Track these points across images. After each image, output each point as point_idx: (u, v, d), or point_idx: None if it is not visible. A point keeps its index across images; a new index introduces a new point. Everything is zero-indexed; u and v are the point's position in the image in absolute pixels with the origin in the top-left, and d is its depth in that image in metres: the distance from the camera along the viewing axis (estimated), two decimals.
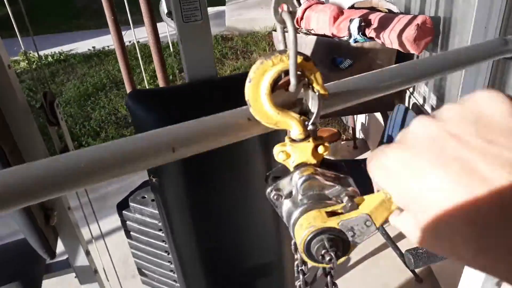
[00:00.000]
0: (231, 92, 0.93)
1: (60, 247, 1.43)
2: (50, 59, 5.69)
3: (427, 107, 2.21)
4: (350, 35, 2.15)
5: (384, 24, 2.03)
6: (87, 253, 1.59)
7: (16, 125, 1.26)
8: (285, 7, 0.41)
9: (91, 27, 7.14)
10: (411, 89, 2.38)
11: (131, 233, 1.41)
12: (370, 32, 2.09)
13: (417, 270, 2.24)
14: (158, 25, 1.77)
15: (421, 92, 2.29)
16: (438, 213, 0.29)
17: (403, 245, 2.45)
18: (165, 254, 1.33)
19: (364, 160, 2.41)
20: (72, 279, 1.64)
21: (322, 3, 2.54)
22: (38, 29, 6.25)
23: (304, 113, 0.43)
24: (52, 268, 1.62)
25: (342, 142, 3.36)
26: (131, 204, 1.31)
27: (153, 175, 0.90)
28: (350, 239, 0.39)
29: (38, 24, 6.58)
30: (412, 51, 1.95)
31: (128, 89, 1.30)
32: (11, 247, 1.68)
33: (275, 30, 2.50)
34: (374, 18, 2.10)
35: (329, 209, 0.40)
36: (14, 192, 0.37)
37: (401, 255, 2.25)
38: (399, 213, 0.37)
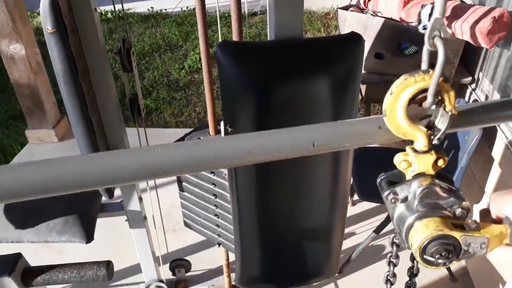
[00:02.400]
0: (313, 54, 0.95)
1: (116, 192, 1.51)
2: (109, 15, 5.82)
3: None
4: (419, 21, 2.11)
5: (457, 13, 1.98)
6: (140, 199, 1.67)
7: (94, 67, 1.32)
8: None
9: None
10: (473, 85, 2.31)
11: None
12: None
13: (452, 269, 2.23)
14: None
15: (484, 89, 2.22)
16: None
17: None
18: (213, 198, 1.37)
19: None
20: (119, 222, 1.73)
21: None
22: None
23: (429, 126, 0.46)
24: (106, 209, 1.72)
25: None
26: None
27: (229, 125, 0.94)
28: (461, 253, 0.44)
29: None
30: (483, 45, 1.90)
31: (203, 47, 1.33)
32: None
33: (340, 9, 2.47)
34: (447, 6, 2.04)
35: (455, 221, 0.45)
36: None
37: None
38: (507, 247, 0.43)
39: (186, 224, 1.65)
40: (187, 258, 2.13)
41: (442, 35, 0.42)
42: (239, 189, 1.10)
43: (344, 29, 2.40)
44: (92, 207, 1.66)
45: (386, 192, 0.47)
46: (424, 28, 2.13)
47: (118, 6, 5.51)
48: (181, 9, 6.38)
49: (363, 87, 2.34)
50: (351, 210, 2.60)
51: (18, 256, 1.01)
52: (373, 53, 2.24)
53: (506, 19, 1.86)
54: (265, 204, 1.12)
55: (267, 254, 1.23)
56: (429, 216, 0.44)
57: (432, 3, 2.10)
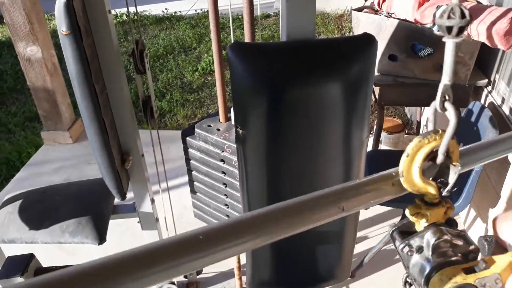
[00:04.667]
0: (325, 55, 0.94)
1: (128, 194, 1.52)
2: (125, 17, 5.88)
3: (505, 108, 2.11)
4: (434, 23, 2.08)
5: (474, 14, 1.95)
6: (152, 201, 1.68)
7: (107, 69, 1.33)
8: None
9: None
10: (489, 87, 2.28)
11: (191, 161, 1.46)
12: None
13: None
14: None
15: (501, 92, 2.19)
16: None
17: None
18: (222, 187, 1.37)
19: None
20: (131, 224, 1.74)
21: None
22: None
23: (437, 178, 0.49)
24: (119, 210, 1.73)
25: (405, 135, 3.29)
26: (196, 130, 1.36)
27: (240, 127, 0.94)
28: None
29: None
30: (500, 46, 1.86)
31: (215, 48, 1.33)
32: (86, 184, 1.80)
33: (355, 10, 2.45)
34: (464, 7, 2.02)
35: (464, 266, 0.47)
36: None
37: None
38: None
39: (196, 215, 1.65)
40: None
41: (451, 100, 0.45)
42: (250, 191, 1.09)
43: (358, 31, 2.38)
44: (105, 208, 1.67)
45: (401, 245, 0.50)
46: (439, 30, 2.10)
47: (133, 8, 5.59)
48: (195, 11, 6.41)
49: (376, 89, 2.32)
50: (364, 214, 2.58)
51: (31, 257, 1.02)
52: (387, 55, 2.22)
53: None
54: (275, 198, 1.11)
55: (278, 257, 1.22)
56: (444, 266, 0.47)
57: (447, 4, 2.07)
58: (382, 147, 3.05)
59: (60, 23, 1.10)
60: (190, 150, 1.42)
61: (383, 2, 2.47)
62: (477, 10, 1.95)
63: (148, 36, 5.55)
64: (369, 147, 2.44)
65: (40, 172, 3.04)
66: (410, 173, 0.47)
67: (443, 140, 0.46)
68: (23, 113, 3.97)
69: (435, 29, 2.07)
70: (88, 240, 1.54)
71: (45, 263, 1.58)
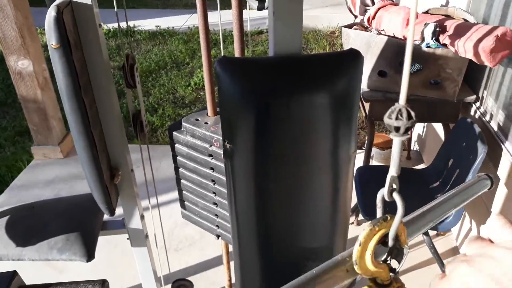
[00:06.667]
0: (312, 70, 0.95)
1: (117, 211, 1.50)
2: (119, 31, 5.90)
3: (493, 124, 2.14)
4: (422, 40, 2.11)
5: (460, 32, 1.98)
6: (142, 217, 1.66)
7: (97, 82, 1.33)
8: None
9: (158, 6, 7.33)
10: (477, 103, 2.31)
11: (178, 158, 1.43)
12: (444, 39, 2.04)
13: None
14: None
15: (489, 108, 2.21)
16: None
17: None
18: (211, 184, 1.35)
19: (418, 170, 2.37)
20: (121, 241, 1.72)
21: (396, 4, 2.51)
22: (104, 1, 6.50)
23: (386, 259, 0.53)
24: (108, 226, 1.71)
25: None
26: (184, 124, 1.34)
27: (228, 141, 0.94)
28: None
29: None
30: (486, 63, 1.89)
31: (206, 66, 1.34)
32: (75, 200, 1.78)
33: (345, 27, 2.49)
34: (450, 25, 2.05)
35: None
36: None
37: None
38: None
39: (184, 216, 1.63)
40: (189, 278, 2.11)
41: (397, 189, 0.49)
42: (238, 206, 1.09)
43: (348, 47, 2.40)
44: (94, 224, 1.65)
45: None
46: (427, 46, 2.13)
47: (125, 24, 5.62)
48: (188, 27, 6.46)
49: (366, 105, 2.34)
50: (356, 230, 2.57)
51: (13, 274, 1.00)
52: (377, 71, 2.24)
53: (509, 38, 1.86)
54: (264, 222, 1.11)
55: (267, 275, 1.21)
56: None
57: (436, 22, 2.11)
58: (373, 162, 3.06)
59: (50, 36, 1.11)
60: (177, 145, 1.40)
61: (372, 19, 2.51)
62: (464, 28, 1.98)
63: (141, 51, 5.57)
64: (360, 163, 2.45)
65: (30, 188, 3.01)
66: (364, 260, 0.50)
67: (392, 227, 0.49)
68: (14, 127, 3.95)
69: (423, 45, 2.11)
70: (76, 257, 1.52)
71: (33, 281, 1.56)
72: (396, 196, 0.49)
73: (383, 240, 0.51)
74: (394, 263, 0.53)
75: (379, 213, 0.51)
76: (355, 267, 0.50)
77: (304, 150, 1.01)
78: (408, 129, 0.44)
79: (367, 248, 0.49)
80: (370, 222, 0.50)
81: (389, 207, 0.53)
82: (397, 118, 0.43)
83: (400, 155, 0.47)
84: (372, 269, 0.50)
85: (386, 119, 0.44)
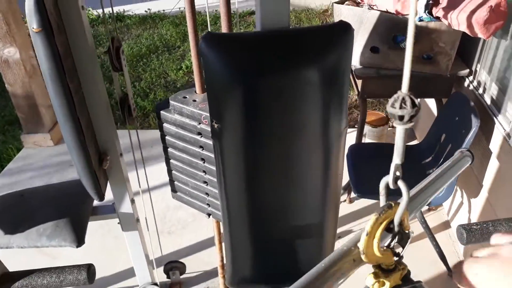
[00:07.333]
0: (300, 44, 0.92)
1: (107, 195, 1.48)
2: (107, 17, 5.80)
3: (487, 98, 2.11)
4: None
5: (453, 4, 1.94)
6: (132, 201, 1.64)
7: (82, 67, 1.29)
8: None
9: None
10: (471, 77, 2.28)
11: (167, 137, 1.41)
12: (437, 12, 2.00)
13: (451, 265, 2.19)
14: None
15: (482, 81, 2.19)
16: None
17: (440, 238, 2.40)
18: (201, 162, 1.33)
19: (411, 147, 2.35)
20: (114, 226, 1.70)
21: None
22: None
23: (391, 243, 0.54)
24: (98, 211, 1.69)
25: (389, 128, 3.28)
26: (171, 102, 1.31)
27: (216, 121, 0.91)
28: None
29: None
30: (480, 35, 1.86)
31: (193, 51, 1.30)
32: (65, 186, 1.75)
33: (335, 3, 2.44)
34: None
35: None
36: None
37: (437, 246, 2.20)
38: None
39: (174, 196, 1.61)
40: (182, 260, 2.10)
41: (401, 176, 0.50)
42: (227, 186, 1.07)
43: None
44: (84, 210, 1.63)
45: None
46: (420, 20, 2.09)
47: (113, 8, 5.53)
48: (179, 9, 6.36)
49: (359, 82, 2.31)
50: (349, 208, 2.57)
51: None
52: (369, 47, 2.20)
53: (503, 8, 1.82)
54: (254, 201, 1.09)
55: (258, 253, 1.20)
56: None
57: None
58: (366, 140, 3.04)
59: (31, 20, 1.06)
60: (165, 125, 1.37)
61: None
62: (458, 0, 1.94)
63: (132, 36, 5.48)
64: (353, 140, 2.43)
65: (20, 176, 2.98)
66: (370, 248, 0.51)
67: (396, 214, 0.50)
68: (3, 116, 3.90)
69: (416, 19, 2.06)
70: (66, 243, 1.49)
71: (25, 268, 1.54)
72: (400, 183, 0.50)
73: (387, 227, 0.52)
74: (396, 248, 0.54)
75: (382, 201, 0.52)
76: (362, 257, 0.51)
77: (294, 127, 0.98)
78: (413, 117, 0.43)
79: (374, 237, 0.50)
80: (375, 212, 0.51)
81: (377, 187, 0.53)
82: (401, 107, 0.43)
83: (404, 143, 0.47)
84: (378, 256, 0.52)
85: (389, 108, 0.44)
